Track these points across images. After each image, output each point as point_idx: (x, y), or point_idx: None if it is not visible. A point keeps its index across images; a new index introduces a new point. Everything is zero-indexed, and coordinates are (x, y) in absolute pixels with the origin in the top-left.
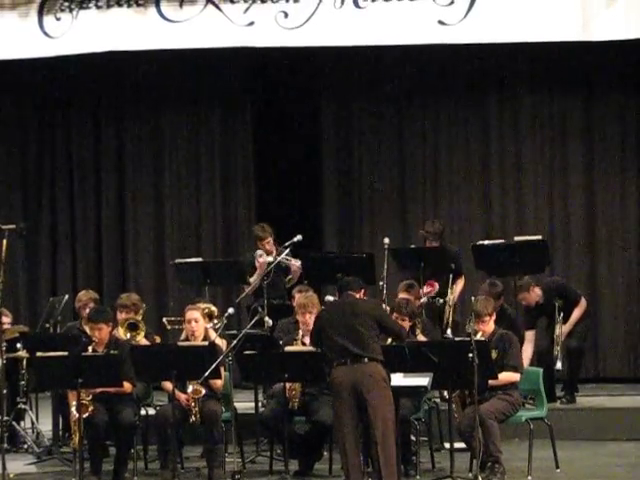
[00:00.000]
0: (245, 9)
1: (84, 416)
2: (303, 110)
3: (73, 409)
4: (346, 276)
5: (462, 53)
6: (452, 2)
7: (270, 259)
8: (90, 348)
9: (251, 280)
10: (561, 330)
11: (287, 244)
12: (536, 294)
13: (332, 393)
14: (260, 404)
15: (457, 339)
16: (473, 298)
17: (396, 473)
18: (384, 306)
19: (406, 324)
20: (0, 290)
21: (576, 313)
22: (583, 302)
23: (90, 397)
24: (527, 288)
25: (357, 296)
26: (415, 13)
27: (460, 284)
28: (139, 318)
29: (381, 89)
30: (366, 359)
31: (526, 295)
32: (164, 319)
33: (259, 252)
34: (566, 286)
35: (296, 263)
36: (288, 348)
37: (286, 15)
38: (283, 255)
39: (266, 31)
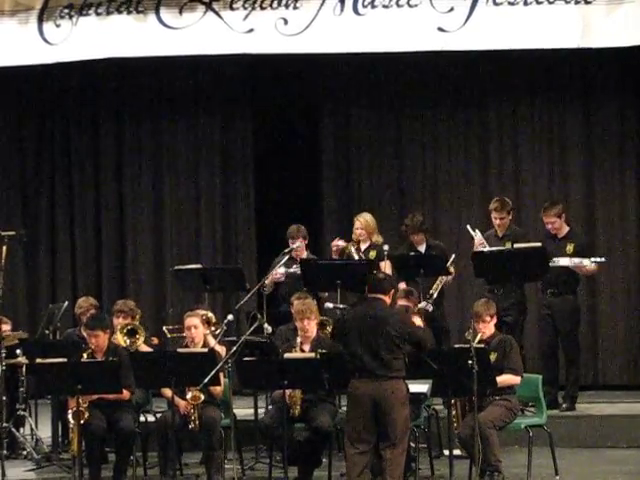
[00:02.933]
0: (245, 16)
1: (81, 422)
2: (302, 116)
3: (70, 416)
4: (376, 276)
5: (461, 60)
6: (452, 9)
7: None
8: (85, 355)
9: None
10: None
11: (286, 251)
12: None
13: (349, 403)
14: (262, 410)
15: (456, 346)
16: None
17: None
18: None
19: None
20: (0, 297)
21: None
22: None
23: (86, 404)
24: None
25: (386, 300)
26: (415, 20)
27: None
28: (137, 323)
29: (380, 95)
30: (388, 377)
31: None
32: (164, 328)
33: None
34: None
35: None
36: (287, 355)
37: (286, 22)
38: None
39: (266, 38)
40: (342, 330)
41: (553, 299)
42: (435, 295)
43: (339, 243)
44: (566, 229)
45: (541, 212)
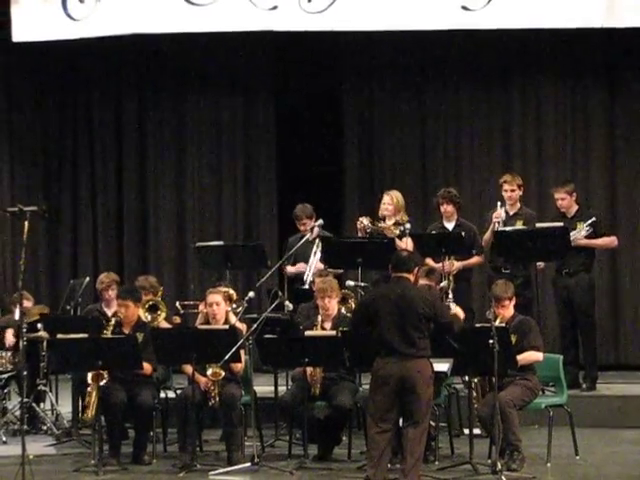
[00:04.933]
0: None
1: (101, 384)
2: (325, 94)
3: (89, 378)
4: (400, 254)
5: (485, 39)
6: None
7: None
8: (111, 326)
9: (292, 269)
10: None
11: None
12: None
13: (374, 382)
14: (282, 388)
15: (477, 325)
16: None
17: (420, 468)
18: None
19: None
20: (22, 272)
21: None
22: None
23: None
24: None
25: (410, 278)
26: None
27: (473, 260)
28: (159, 299)
29: (403, 74)
30: (414, 356)
31: None
32: (177, 303)
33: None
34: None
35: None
36: (308, 332)
37: (309, 0)
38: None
39: (289, 15)
40: (367, 309)
41: (568, 279)
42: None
43: (364, 221)
44: (575, 208)
45: (552, 189)
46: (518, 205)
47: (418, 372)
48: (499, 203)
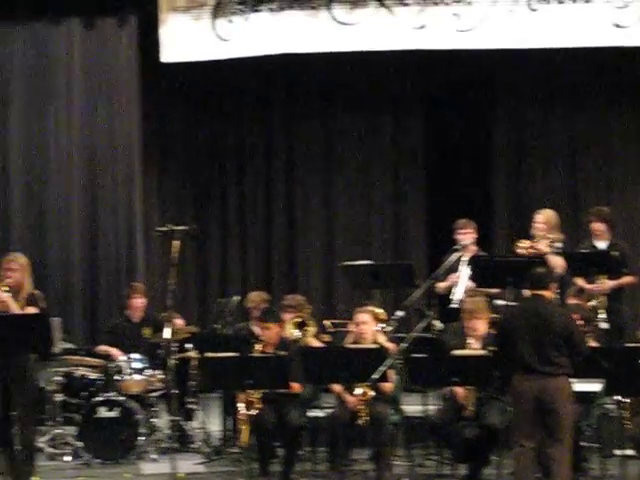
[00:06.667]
0: (417, 12)
1: (252, 413)
2: (474, 112)
3: (242, 406)
4: (536, 271)
5: (639, 56)
6: (626, 5)
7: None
8: (258, 348)
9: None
10: None
11: (455, 247)
12: None
13: (513, 400)
14: (431, 407)
15: (629, 345)
16: None
17: None
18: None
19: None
20: (172, 291)
21: None
22: None
23: (259, 395)
24: None
25: (547, 296)
26: (590, 15)
27: (625, 280)
28: (307, 316)
29: (553, 91)
30: (552, 374)
31: None
32: (326, 321)
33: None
34: None
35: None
36: (456, 352)
37: (458, 17)
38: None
39: (438, 34)
40: (505, 328)
41: None
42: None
43: (525, 245)
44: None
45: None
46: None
47: (556, 391)
48: None
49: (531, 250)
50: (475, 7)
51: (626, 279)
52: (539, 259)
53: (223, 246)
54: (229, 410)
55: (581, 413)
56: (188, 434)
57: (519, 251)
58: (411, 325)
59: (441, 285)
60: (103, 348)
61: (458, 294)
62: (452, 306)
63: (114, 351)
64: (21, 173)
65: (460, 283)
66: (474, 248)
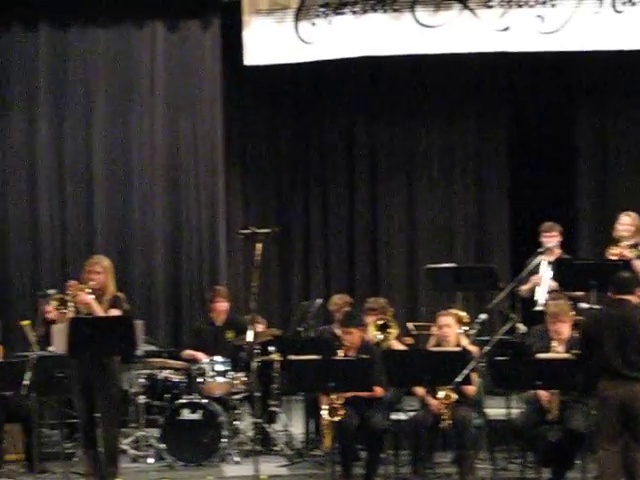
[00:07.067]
0: (501, 14)
1: (335, 419)
2: (558, 115)
3: (325, 412)
4: (621, 275)
5: None
6: None
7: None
8: (342, 352)
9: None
10: None
11: (540, 250)
12: None
13: (598, 404)
14: (515, 410)
15: None
16: None
17: None
18: None
19: None
20: (255, 294)
21: None
22: None
23: (342, 401)
24: None
25: (632, 300)
26: None
27: None
28: (389, 318)
29: (638, 92)
30: (638, 379)
31: None
32: (409, 324)
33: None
34: None
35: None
36: (540, 355)
37: (543, 20)
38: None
39: (522, 36)
40: (591, 332)
41: None
42: None
43: (616, 252)
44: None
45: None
46: None
47: None
48: None
49: (622, 257)
50: (559, 9)
51: None
52: (623, 263)
53: (306, 248)
54: (312, 413)
55: None
56: (271, 437)
57: (611, 257)
58: (494, 328)
59: (523, 288)
60: (189, 352)
61: (541, 296)
62: (536, 309)
63: (199, 355)
64: (104, 177)
65: (542, 285)
66: (558, 251)
